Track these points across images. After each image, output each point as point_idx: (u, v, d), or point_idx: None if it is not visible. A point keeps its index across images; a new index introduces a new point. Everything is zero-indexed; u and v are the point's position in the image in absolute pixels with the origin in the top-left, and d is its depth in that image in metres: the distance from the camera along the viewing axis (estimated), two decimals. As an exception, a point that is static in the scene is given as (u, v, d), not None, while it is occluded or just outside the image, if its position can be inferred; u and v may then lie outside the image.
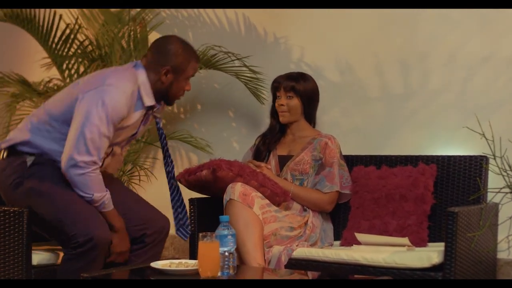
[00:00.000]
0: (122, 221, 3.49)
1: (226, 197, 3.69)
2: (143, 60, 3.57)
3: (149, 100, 3.52)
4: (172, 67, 3.51)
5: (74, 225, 3.30)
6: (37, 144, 3.47)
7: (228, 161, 3.76)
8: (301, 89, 3.97)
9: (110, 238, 3.39)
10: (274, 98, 4.07)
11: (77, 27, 4.84)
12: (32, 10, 4.75)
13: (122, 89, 3.40)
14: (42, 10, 4.82)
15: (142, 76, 3.51)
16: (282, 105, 4.00)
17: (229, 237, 2.99)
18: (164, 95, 3.58)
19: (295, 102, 3.99)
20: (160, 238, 3.64)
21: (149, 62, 3.54)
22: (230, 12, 4.92)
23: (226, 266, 2.96)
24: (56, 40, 4.82)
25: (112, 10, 4.92)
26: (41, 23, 4.78)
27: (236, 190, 3.64)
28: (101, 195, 3.41)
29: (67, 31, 4.82)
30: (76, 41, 4.85)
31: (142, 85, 3.50)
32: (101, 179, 3.42)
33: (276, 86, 4.04)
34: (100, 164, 3.43)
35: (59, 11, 4.88)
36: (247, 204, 3.62)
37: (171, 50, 3.53)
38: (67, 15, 5.01)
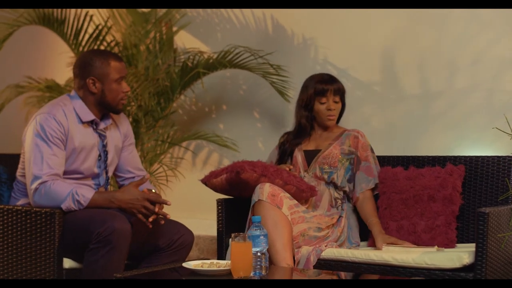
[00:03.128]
0: (114, 194, 3.52)
1: (254, 198, 3.69)
2: (74, 88, 3.70)
3: (85, 116, 3.63)
4: (94, 76, 3.62)
5: (96, 224, 3.34)
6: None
7: (250, 162, 3.76)
8: (344, 92, 4.04)
9: (129, 228, 3.39)
10: (312, 100, 4.05)
11: (106, 28, 4.86)
12: (63, 12, 4.78)
13: (50, 110, 3.57)
14: (72, 11, 4.85)
15: (74, 97, 3.66)
16: (332, 109, 4.00)
17: (261, 237, 3.01)
18: (105, 105, 3.67)
19: (340, 106, 4.04)
20: (184, 245, 3.66)
21: (78, 85, 3.67)
22: (257, 12, 4.93)
23: (258, 266, 2.98)
24: (84, 41, 4.85)
25: (140, 10, 4.94)
26: (71, 25, 4.81)
27: (264, 191, 3.65)
28: (70, 197, 3.46)
29: (96, 31, 4.84)
30: (104, 42, 4.87)
31: (75, 104, 3.63)
32: (57, 185, 3.48)
33: (323, 90, 4.01)
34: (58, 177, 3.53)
35: (90, 11, 4.91)
36: (275, 205, 3.62)
37: (87, 62, 3.64)
38: (96, 16, 5.04)
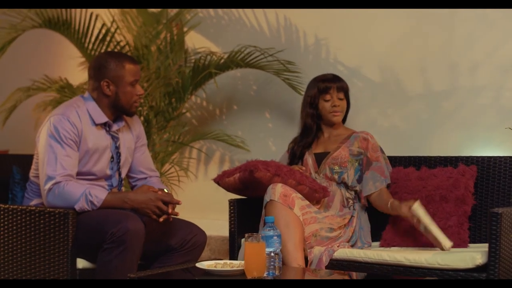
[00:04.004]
0: (126, 195, 3.53)
1: (266, 198, 3.70)
2: (88, 90, 3.71)
3: (98, 118, 3.64)
4: (109, 78, 3.62)
5: (110, 224, 3.35)
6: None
7: (264, 161, 3.77)
8: (347, 90, 4.04)
9: (143, 228, 3.40)
10: (316, 99, 4.07)
11: (114, 27, 4.88)
12: (68, 13, 4.79)
13: (64, 112, 3.58)
14: (78, 12, 4.86)
15: (88, 99, 3.67)
16: (337, 105, 4.02)
17: (275, 237, 3.01)
18: (119, 107, 3.67)
19: (345, 103, 4.03)
20: (197, 245, 3.66)
21: (92, 87, 3.68)
22: (269, 12, 4.94)
23: (271, 266, 2.98)
24: (92, 40, 4.87)
25: (150, 11, 4.95)
26: (77, 26, 4.83)
27: (276, 191, 3.66)
28: (84, 198, 3.47)
29: (103, 31, 4.86)
30: (113, 41, 4.89)
31: (89, 105, 3.64)
32: (71, 186, 3.49)
33: (326, 87, 4.03)
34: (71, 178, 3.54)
35: (96, 11, 4.93)
36: (287, 205, 3.63)
37: (102, 64, 3.64)
38: (105, 15, 5.05)
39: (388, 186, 3.94)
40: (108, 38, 4.87)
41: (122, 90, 3.63)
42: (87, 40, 4.88)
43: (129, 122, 3.81)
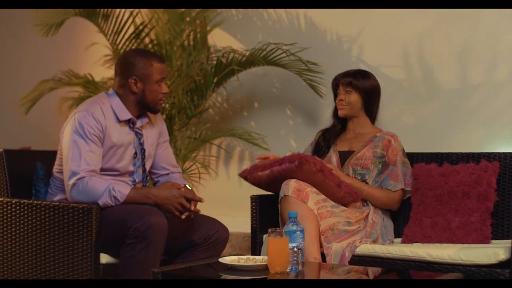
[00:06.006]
0: (150, 191, 3.55)
1: (280, 194, 3.72)
2: (113, 86, 3.73)
3: (122, 115, 3.66)
4: (137, 76, 3.64)
5: (133, 219, 3.36)
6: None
7: (310, 155, 3.79)
8: (359, 84, 4.02)
9: (166, 223, 3.42)
10: (335, 96, 4.10)
11: (149, 26, 4.91)
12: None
13: (89, 108, 3.60)
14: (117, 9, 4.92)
15: (112, 95, 3.69)
16: (341, 100, 4.03)
17: (298, 232, 3.01)
18: (144, 104, 3.70)
19: (354, 97, 4.03)
20: (219, 241, 3.68)
21: (118, 83, 3.70)
22: (291, 10, 4.94)
23: (294, 261, 2.99)
24: (124, 39, 4.90)
25: (176, 9, 4.97)
26: (114, 21, 4.87)
27: (290, 187, 3.67)
28: (107, 193, 3.49)
29: (140, 27, 4.89)
30: (147, 39, 4.93)
31: (113, 102, 3.66)
32: (95, 181, 3.51)
33: (335, 83, 4.09)
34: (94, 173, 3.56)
35: (135, 10, 4.97)
36: (301, 199, 3.64)
37: (130, 62, 3.67)
38: (141, 15, 5.10)
39: (405, 192, 3.95)
40: (142, 36, 4.90)
41: (149, 88, 3.66)
42: (121, 35, 4.91)
43: (152, 119, 3.83)
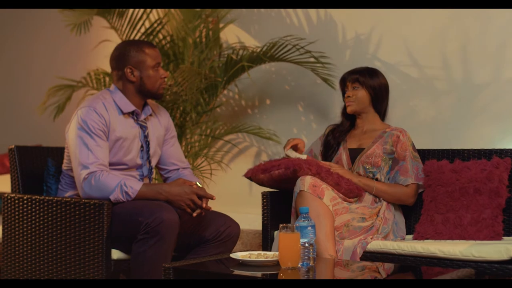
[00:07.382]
0: (161, 187, 3.55)
1: (296, 189, 3.71)
2: (113, 82, 3.75)
3: (126, 107, 3.68)
4: (132, 64, 3.67)
5: (145, 214, 3.38)
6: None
7: (304, 160, 3.78)
8: (366, 81, 4.01)
9: (177, 219, 3.43)
10: (343, 94, 4.10)
11: (160, 26, 4.92)
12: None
13: (91, 104, 3.62)
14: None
15: (114, 90, 3.71)
16: (349, 96, 4.04)
17: (309, 228, 3.01)
18: (145, 92, 3.71)
19: (362, 93, 4.02)
20: (231, 237, 3.68)
21: (116, 77, 3.73)
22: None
23: (306, 257, 2.99)
24: (137, 37, 4.92)
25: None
26: (128, 19, 4.89)
27: (306, 182, 3.67)
28: (119, 188, 3.50)
29: (155, 25, 4.91)
30: (159, 36, 4.94)
31: (115, 97, 3.69)
32: (106, 176, 3.52)
33: (343, 81, 4.10)
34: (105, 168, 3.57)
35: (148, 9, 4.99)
36: (317, 195, 3.64)
37: (122, 53, 3.70)
38: (153, 13, 5.11)
39: (419, 186, 3.93)
40: (154, 33, 4.91)
41: (146, 74, 3.68)
42: (135, 32, 4.93)
43: (156, 113, 3.84)
